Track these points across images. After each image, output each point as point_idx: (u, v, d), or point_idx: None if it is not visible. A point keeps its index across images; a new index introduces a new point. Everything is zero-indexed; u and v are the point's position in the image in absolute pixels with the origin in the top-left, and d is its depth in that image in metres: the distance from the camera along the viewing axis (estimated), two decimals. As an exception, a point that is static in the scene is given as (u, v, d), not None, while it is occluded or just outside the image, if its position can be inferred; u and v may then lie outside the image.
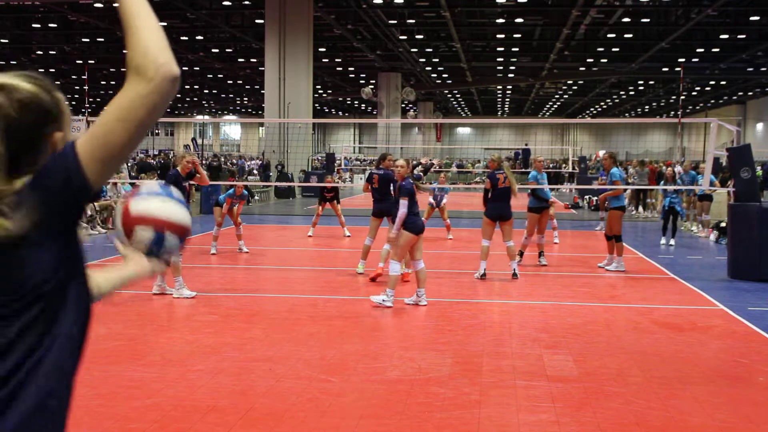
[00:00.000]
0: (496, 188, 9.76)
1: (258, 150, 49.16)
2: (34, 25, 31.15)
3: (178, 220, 1.67)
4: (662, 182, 15.38)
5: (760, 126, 53.47)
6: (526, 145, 49.50)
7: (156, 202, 1.67)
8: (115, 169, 1.39)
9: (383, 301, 7.71)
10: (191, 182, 8.92)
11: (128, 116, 1.31)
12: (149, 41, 1.31)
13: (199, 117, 71.58)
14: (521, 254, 11.17)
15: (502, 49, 35.91)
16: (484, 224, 9.81)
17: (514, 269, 9.83)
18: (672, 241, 14.01)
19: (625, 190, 13.69)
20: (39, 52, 38.70)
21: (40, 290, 1.34)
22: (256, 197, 25.02)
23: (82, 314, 1.45)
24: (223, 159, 45.14)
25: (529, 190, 11.68)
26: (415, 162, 11.31)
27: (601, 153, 49.83)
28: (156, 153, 48.42)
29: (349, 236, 14.21)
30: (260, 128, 58.32)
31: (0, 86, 1.39)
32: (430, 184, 15.75)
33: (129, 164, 22.99)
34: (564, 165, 37.09)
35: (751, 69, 38.33)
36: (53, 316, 1.37)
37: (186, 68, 43.18)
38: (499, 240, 10.01)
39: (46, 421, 1.37)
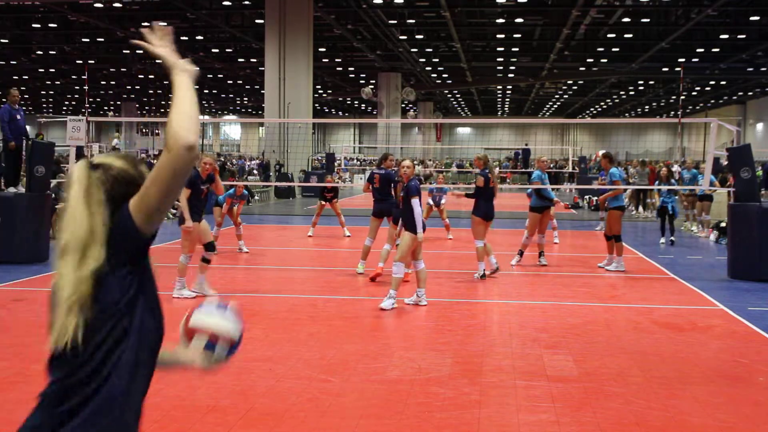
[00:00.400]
0: (488, 187, 9.73)
1: (258, 150, 49.17)
2: (34, 25, 31.14)
3: (228, 334, 2.08)
4: (656, 182, 15.42)
5: (760, 126, 53.45)
6: (526, 145, 49.47)
7: (212, 317, 2.09)
8: (158, 218, 1.77)
9: (393, 304, 7.65)
10: (208, 186, 8.68)
11: (158, 179, 1.70)
12: (174, 121, 1.71)
13: (199, 117, 71.44)
14: (521, 253, 11.16)
15: (502, 49, 35.90)
16: (477, 225, 9.68)
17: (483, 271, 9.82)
18: (672, 238, 14.08)
19: (625, 190, 13.70)
20: (39, 52, 38.69)
21: (116, 306, 1.75)
22: (256, 197, 25.02)
23: (148, 328, 1.81)
24: (223, 159, 45.15)
25: (529, 190, 11.66)
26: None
27: (601, 153, 49.79)
28: (156, 153, 48.42)
29: (349, 236, 14.22)
30: (260, 128, 58.37)
31: (100, 165, 1.85)
32: (429, 184, 15.77)
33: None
34: (565, 165, 37.09)
35: (751, 69, 38.32)
36: (123, 327, 1.76)
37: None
38: (491, 239, 9.99)
39: (113, 410, 1.74)
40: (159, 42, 1.90)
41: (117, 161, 1.87)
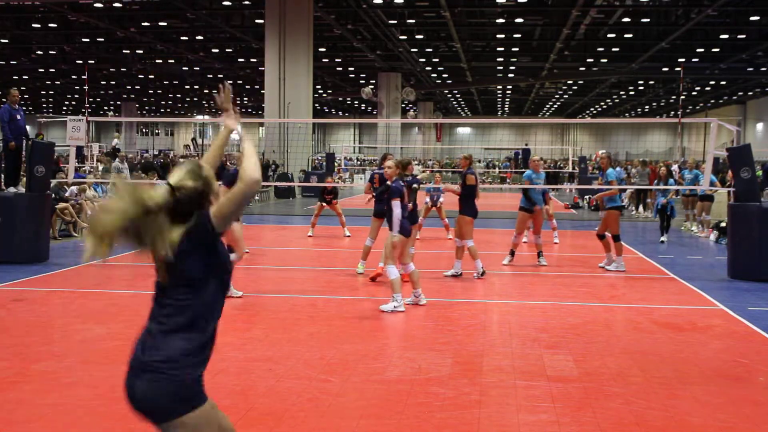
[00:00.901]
0: (476, 185, 9.73)
1: (258, 150, 49.12)
2: (34, 25, 31.12)
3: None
4: (655, 182, 15.54)
5: (760, 126, 53.45)
6: (526, 145, 49.51)
7: None
8: (228, 222, 2.62)
9: (395, 307, 7.59)
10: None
11: (232, 197, 2.58)
12: (247, 166, 2.58)
13: (199, 117, 71.56)
14: (512, 253, 11.12)
15: (502, 49, 35.89)
16: (468, 224, 9.68)
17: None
18: (665, 237, 14.32)
19: (623, 190, 13.68)
20: (39, 52, 38.68)
21: (191, 278, 2.59)
22: (256, 197, 25.02)
23: (218, 294, 2.67)
24: (223, 158, 45.16)
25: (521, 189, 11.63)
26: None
27: (601, 153, 49.79)
28: (156, 153, 48.42)
29: (349, 236, 14.22)
30: (260, 128, 58.35)
31: (176, 187, 2.59)
32: (428, 184, 15.76)
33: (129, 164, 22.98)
34: (564, 165, 37.10)
35: (751, 69, 38.31)
36: (197, 293, 2.60)
37: (186, 68, 43.15)
38: (483, 239, 9.99)
39: (174, 362, 2.56)
40: (225, 103, 3.14)
41: (189, 182, 2.61)
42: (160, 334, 2.59)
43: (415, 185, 9.23)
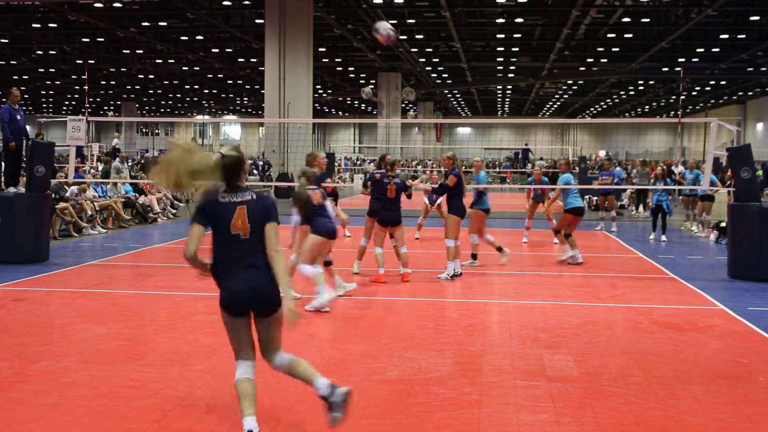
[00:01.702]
0: (460, 186, 9.72)
1: (258, 150, 49.14)
2: (34, 25, 31.11)
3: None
4: (652, 181, 15.58)
5: (760, 126, 53.44)
6: (526, 145, 49.50)
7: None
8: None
9: (322, 304, 7.53)
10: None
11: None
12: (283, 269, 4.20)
13: (199, 117, 71.62)
14: (500, 249, 11.02)
15: (502, 49, 35.88)
16: (455, 224, 9.68)
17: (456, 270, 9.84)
18: (663, 237, 14.45)
19: (589, 193, 13.54)
20: (39, 52, 38.66)
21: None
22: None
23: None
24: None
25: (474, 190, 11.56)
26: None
27: (602, 153, 49.94)
28: (156, 153, 48.41)
29: (349, 236, 14.21)
30: (260, 128, 58.33)
31: (224, 154, 3.87)
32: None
33: (129, 164, 23.00)
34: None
35: (751, 69, 38.29)
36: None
37: (186, 68, 43.14)
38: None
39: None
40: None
41: (233, 153, 3.91)
42: None
43: (397, 182, 9.40)
